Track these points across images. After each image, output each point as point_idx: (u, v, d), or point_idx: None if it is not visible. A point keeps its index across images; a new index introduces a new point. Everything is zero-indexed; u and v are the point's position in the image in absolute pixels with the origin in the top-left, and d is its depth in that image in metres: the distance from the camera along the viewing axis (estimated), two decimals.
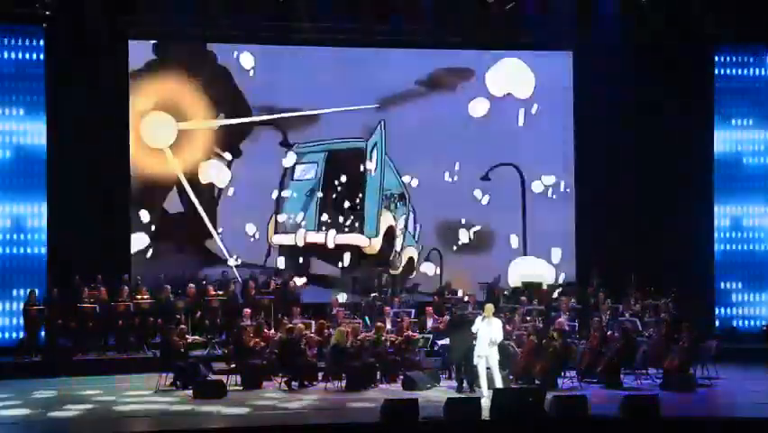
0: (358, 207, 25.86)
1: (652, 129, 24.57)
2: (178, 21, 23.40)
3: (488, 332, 17.98)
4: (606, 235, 24.62)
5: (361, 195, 25.82)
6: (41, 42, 22.96)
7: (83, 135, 22.83)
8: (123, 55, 23.67)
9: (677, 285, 22.82)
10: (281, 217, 25.47)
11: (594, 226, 25.03)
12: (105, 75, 23.09)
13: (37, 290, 21.96)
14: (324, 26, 24.08)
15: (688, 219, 24.68)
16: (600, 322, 20.70)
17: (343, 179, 25.74)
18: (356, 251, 25.65)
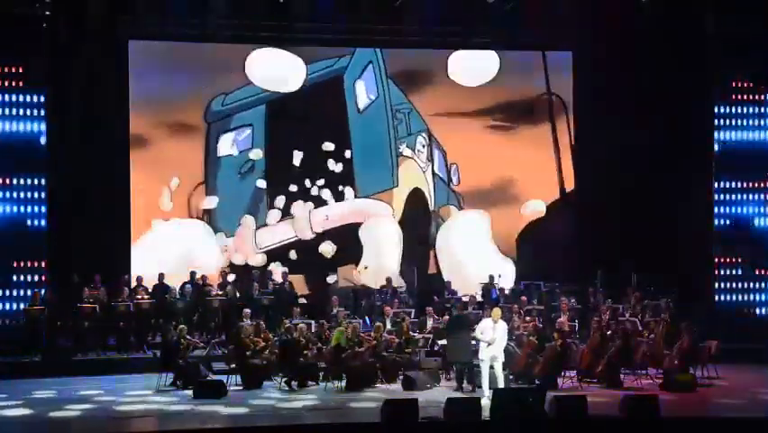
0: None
1: (652, 129, 24.58)
2: (178, 21, 23.41)
3: (496, 336, 17.91)
4: (606, 236, 24.62)
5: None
6: (41, 43, 22.95)
7: (83, 135, 22.84)
8: (124, 55, 23.68)
9: (677, 285, 22.82)
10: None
11: (595, 226, 25.03)
12: (106, 75, 23.11)
13: (40, 292, 21.99)
14: (324, 26, 24.07)
15: (689, 219, 24.69)
16: (600, 322, 20.70)
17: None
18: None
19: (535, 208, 23.04)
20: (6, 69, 22.90)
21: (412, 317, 21.97)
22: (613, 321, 21.28)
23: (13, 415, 17.19)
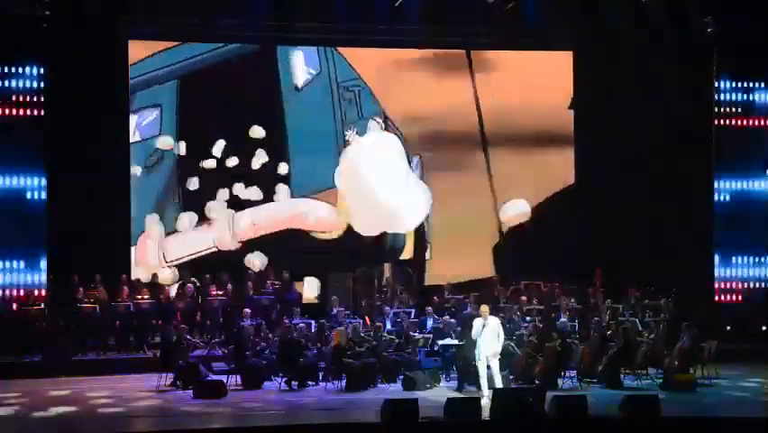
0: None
1: (652, 128, 24.61)
2: (178, 21, 23.42)
3: (489, 332, 17.92)
4: (606, 235, 24.64)
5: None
6: (41, 43, 22.96)
7: (83, 135, 22.86)
8: (123, 55, 23.68)
9: (677, 285, 22.85)
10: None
11: (595, 226, 25.04)
12: (105, 75, 23.12)
13: (37, 291, 21.97)
14: (324, 26, 24.06)
15: (689, 219, 24.70)
16: (600, 322, 20.71)
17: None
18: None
19: (519, 210, 22.54)
20: (6, 69, 22.92)
21: (412, 317, 21.98)
22: (613, 321, 21.29)
23: (13, 415, 17.19)
